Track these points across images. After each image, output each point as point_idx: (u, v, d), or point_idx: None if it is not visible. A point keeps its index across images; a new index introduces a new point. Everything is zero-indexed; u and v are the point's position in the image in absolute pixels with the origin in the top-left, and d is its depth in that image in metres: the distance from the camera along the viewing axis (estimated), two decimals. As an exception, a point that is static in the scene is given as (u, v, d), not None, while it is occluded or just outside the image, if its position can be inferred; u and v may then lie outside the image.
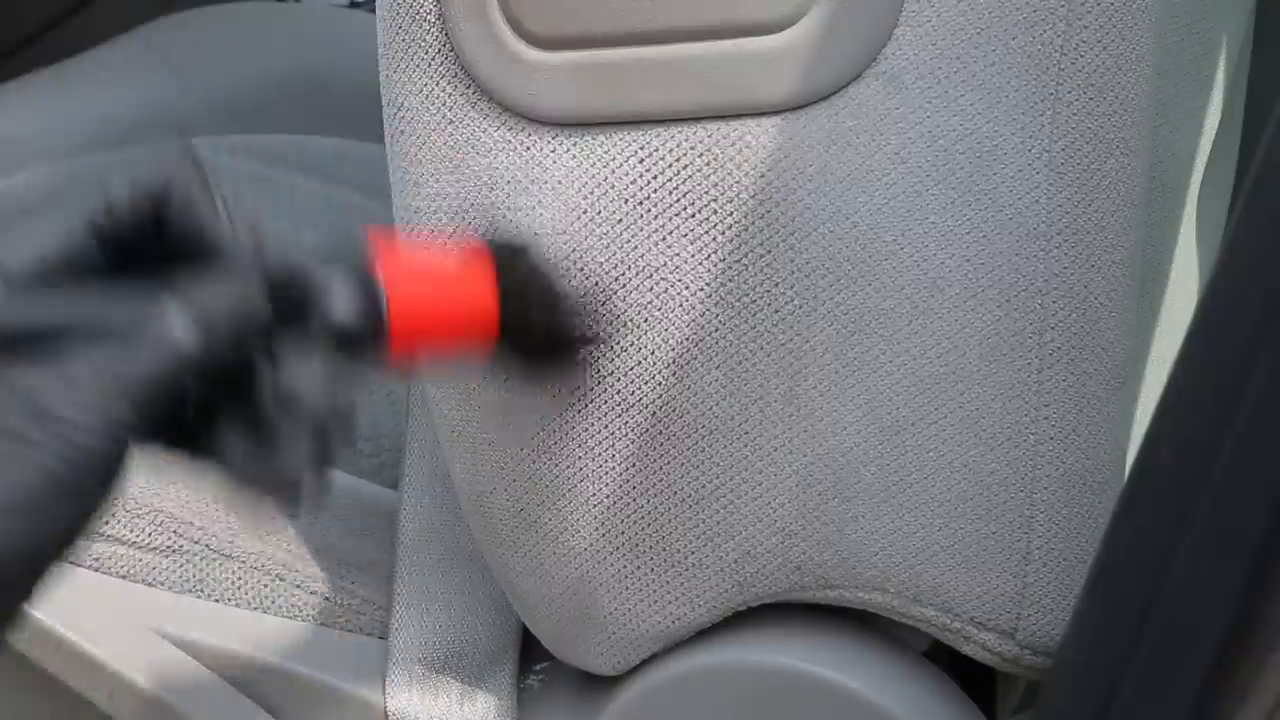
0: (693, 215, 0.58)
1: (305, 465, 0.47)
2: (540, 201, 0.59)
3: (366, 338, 0.51)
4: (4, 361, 0.43)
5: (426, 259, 0.55)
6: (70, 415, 0.42)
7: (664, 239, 0.59)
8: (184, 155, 0.47)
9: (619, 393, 0.61)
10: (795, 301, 0.59)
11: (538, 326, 0.57)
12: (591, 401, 0.61)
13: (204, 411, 0.47)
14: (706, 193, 0.58)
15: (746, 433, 0.61)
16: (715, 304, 0.59)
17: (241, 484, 0.48)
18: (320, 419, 0.47)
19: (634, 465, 0.62)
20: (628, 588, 0.64)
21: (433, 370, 0.56)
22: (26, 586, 0.43)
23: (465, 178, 0.61)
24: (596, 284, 0.60)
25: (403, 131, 0.61)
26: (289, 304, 0.48)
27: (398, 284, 0.51)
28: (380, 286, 0.51)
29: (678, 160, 0.58)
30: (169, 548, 0.74)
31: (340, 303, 0.50)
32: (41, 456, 0.42)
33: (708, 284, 0.59)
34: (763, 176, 0.57)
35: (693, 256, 0.59)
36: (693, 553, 0.63)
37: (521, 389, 0.61)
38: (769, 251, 0.58)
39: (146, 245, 0.47)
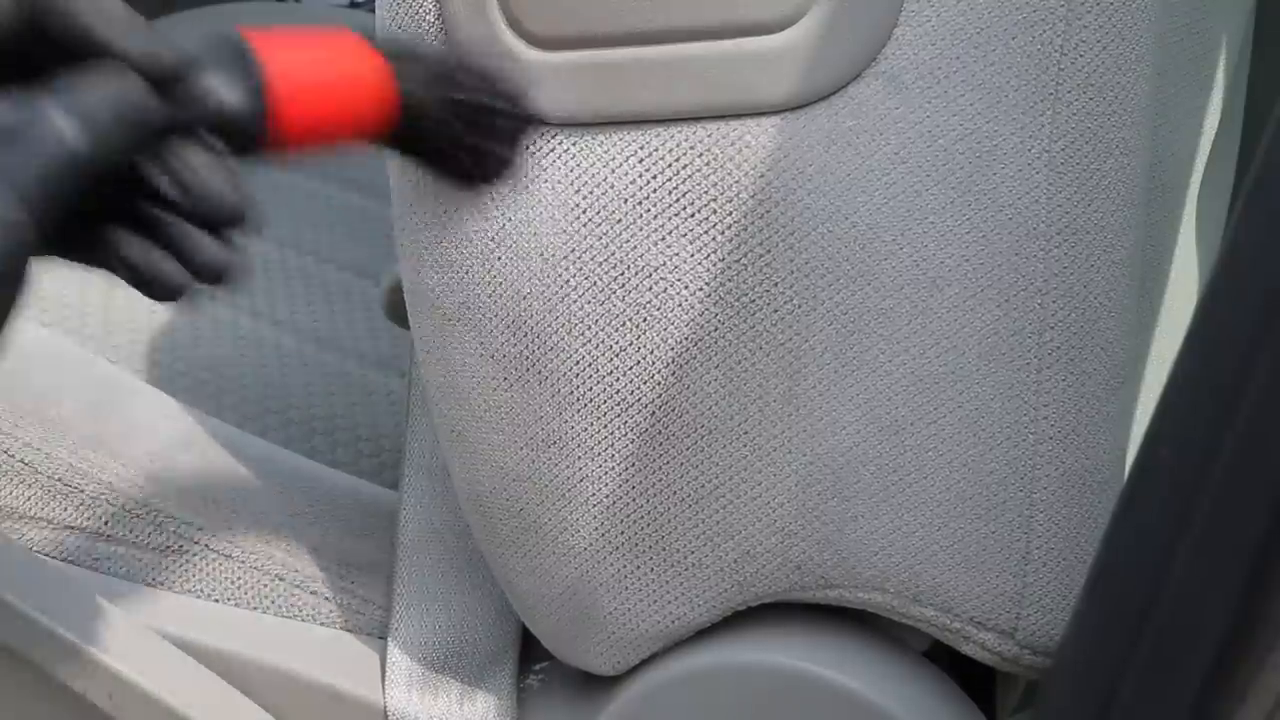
0: (692, 215, 0.58)
1: (207, 257, 0.49)
2: (540, 201, 0.59)
3: (250, 120, 0.50)
4: None
5: (308, 39, 0.53)
6: None
7: (663, 239, 0.59)
8: None
9: (619, 393, 0.61)
10: (794, 301, 0.59)
11: (434, 115, 0.55)
12: (591, 401, 0.61)
13: (97, 212, 0.47)
14: (706, 193, 0.58)
15: (746, 433, 0.61)
16: (714, 304, 0.59)
17: (143, 284, 0.49)
18: (214, 208, 0.48)
19: (634, 465, 0.62)
20: (628, 588, 0.64)
21: (323, 153, 0.54)
22: None
23: (465, 178, 0.61)
24: (594, 285, 0.60)
25: (403, 131, 0.61)
26: (170, 94, 0.48)
27: (276, 62, 0.50)
28: (259, 65, 0.50)
29: (678, 160, 0.58)
30: (169, 548, 0.74)
31: (220, 86, 0.49)
32: None
33: (707, 284, 0.59)
34: (762, 176, 0.57)
35: (692, 256, 0.59)
36: (693, 553, 0.63)
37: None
38: (768, 251, 0.58)
39: (25, 46, 0.47)
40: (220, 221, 0.49)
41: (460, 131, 0.56)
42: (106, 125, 0.45)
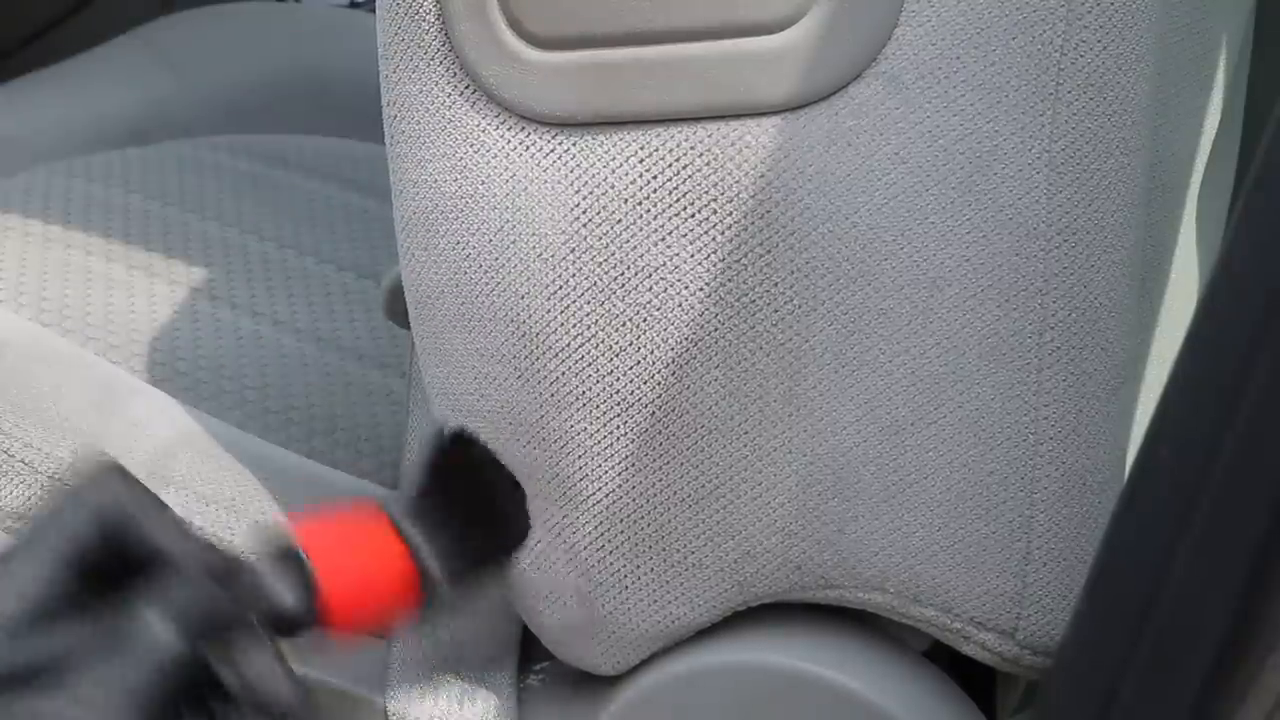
0: (692, 215, 0.58)
1: None
2: (540, 201, 0.59)
3: (306, 618, 0.55)
4: (19, 695, 0.48)
5: (339, 530, 0.59)
6: None
7: (664, 239, 0.59)
8: (123, 478, 0.53)
9: (619, 393, 0.61)
10: (795, 301, 0.59)
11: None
12: (591, 401, 0.61)
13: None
14: (706, 193, 0.58)
15: (746, 433, 0.61)
16: (715, 304, 0.59)
17: None
18: (274, 704, 0.52)
19: (634, 465, 0.62)
20: (628, 588, 0.64)
21: (371, 634, 0.61)
22: None
23: (465, 178, 0.61)
24: (595, 285, 0.60)
25: (403, 131, 0.61)
26: (235, 595, 0.53)
27: (322, 560, 0.56)
28: (309, 565, 0.55)
29: (678, 160, 0.58)
30: (169, 548, 0.74)
31: (278, 587, 0.55)
32: None
33: (707, 284, 0.59)
34: (763, 176, 0.57)
35: (692, 257, 0.59)
36: (693, 553, 0.63)
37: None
38: (769, 251, 0.58)
39: (109, 562, 0.52)
40: (278, 715, 0.52)
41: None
42: (194, 625, 0.50)
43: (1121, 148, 0.58)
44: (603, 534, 0.64)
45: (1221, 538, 0.46)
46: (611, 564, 0.64)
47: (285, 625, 0.55)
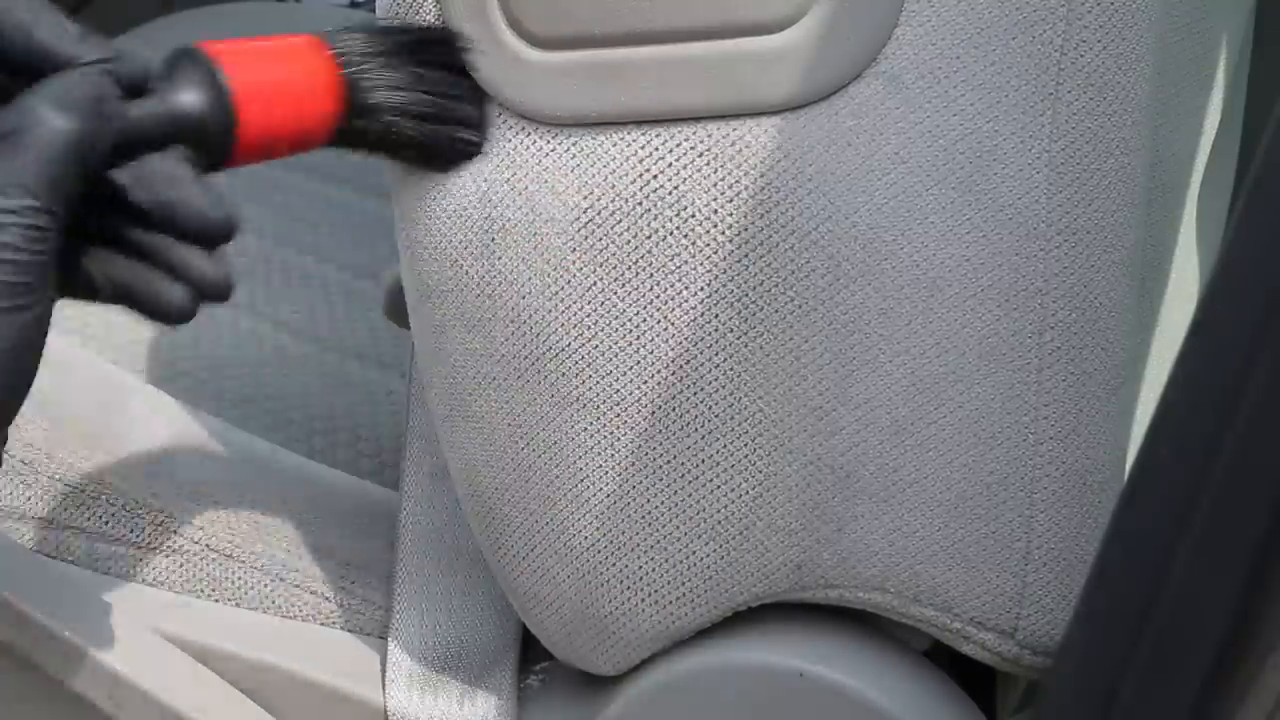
0: (692, 215, 0.58)
1: (203, 272, 0.50)
2: (540, 201, 0.59)
3: (217, 125, 0.51)
4: None
5: (263, 45, 0.55)
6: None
7: (664, 239, 0.59)
8: None
9: (619, 393, 0.61)
10: (795, 301, 0.59)
11: (384, 85, 0.57)
12: (591, 401, 0.61)
13: (88, 237, 0.49)
14: (706, 193, 0.58)
15: (746, 433, 0.61)
16: (715, 304, 0.59)
17: (148, 308, 0.51)
18: (201, 221, 0.49)
19: (634, 465, 0.62)
20: (628, 588, 0.64)
21: (283, 152, 0.56)
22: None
23: (465, 178, 0.61)
24: (594, 284, 0.60)
25: (403, 131, 0.61)
26: (140, 100, 0.50)
27: (237, 66, 0.52)
28: (221, 70, 0.51)
29: (678, 160, 0.58)
30: (169, 548, 0.74)
31: (187, 92, 0.51)
32: None
33: (707, 284, 0.59)
34: (763, 176, 0.57)
35: (692, 257, 0.59)
36: (693, 553, 0.63)
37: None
38: (769, 252, 0.58)
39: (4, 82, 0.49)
40: (209, 234, 0.50)
41: (416, 125, 0.58)
42: (91, 111, 0.47)
43: (1121, 148, 0.58)
44: (602, 534, 0.64)
45: (1221, 538, 0.46)
46: (611, 564, 0.64)
47: (201, 142, 0.51)
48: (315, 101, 0.55)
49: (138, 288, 0.51)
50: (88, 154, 0.47)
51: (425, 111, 0.58)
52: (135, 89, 0.50)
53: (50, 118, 0.46)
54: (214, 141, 0.51)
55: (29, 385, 0.49)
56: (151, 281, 0.51)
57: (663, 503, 0.63)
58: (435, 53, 0.58)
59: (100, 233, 0.51)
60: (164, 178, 0.49)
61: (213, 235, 0.50)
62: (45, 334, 0.48)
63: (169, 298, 0.51)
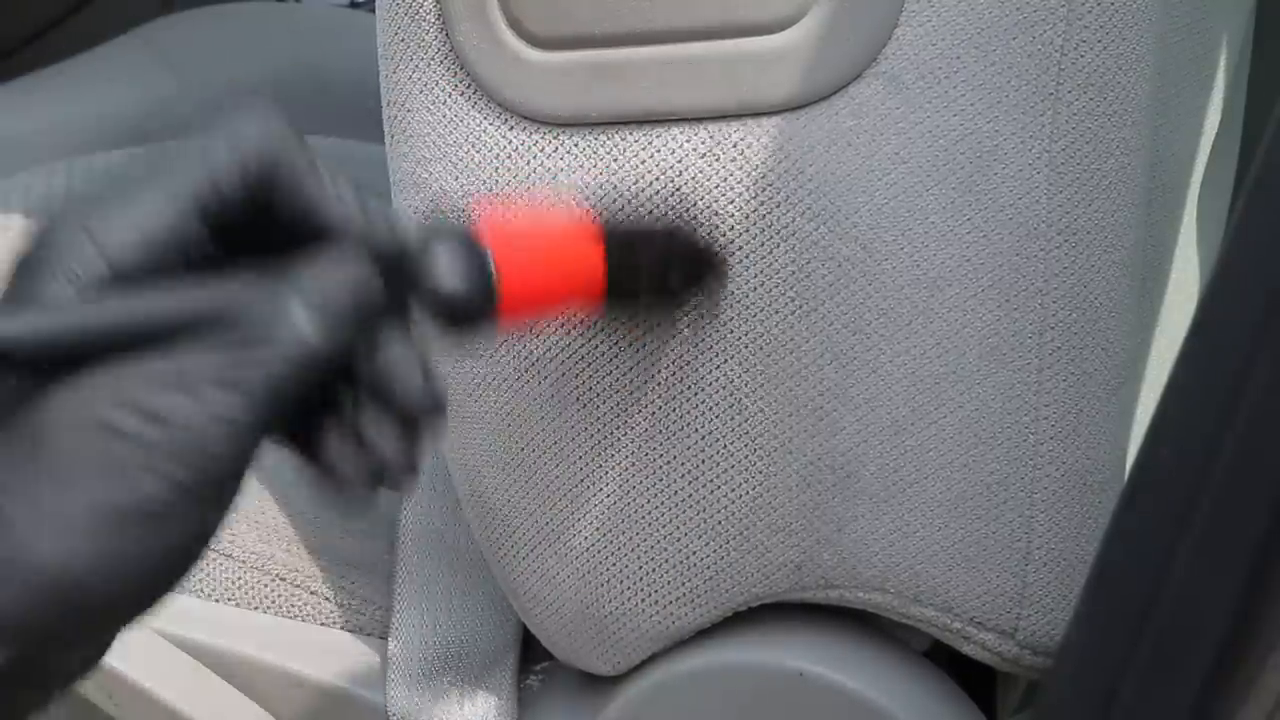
0: (693, 216, 0.58)
1: (400, 454, 0.44)
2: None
3: (477, 306, 0.47)
4: (117, 361, 0.39)
5: (529, 220, 0.52)
6: (189, 420, 0.38)
7: (664, 239, 0.59)
8: (284, 122, 0.43)
9: (618, 393, 0.61)
10: (795, 302, 0.59)
11: (644, 274, 0.55)
12: (591, 401, 0.61)
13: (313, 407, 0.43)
14: (707, 193, 0.58)
15: (746, 433, 0.61)
16: (715, 304, 0.59)
17: (335, 477, 0.44)
18: (417, 403, 0.43)
19: (634, 465, 0.62)
20: (628, 588, 0.64)
21: (541, 328, 0.54)
22: (137, 608, 0.40)
23: (465, 178, 0.61)
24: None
25: (403, 131, 0.61)
26: (399, 282, 0.44)
27: (503, 246, 0.48)
28: (486, 250, 0.47)
29: (678, 160, 0.58)
30: (169, 548, 0.74)
31: (448, 273, 0.46)
32: (158, 460, 0.38)
33: (708, 284, 0.59)
34: (763, 177, 0.57)
35: (693, 256, 0.59)
36: (693, 553, 0.63)
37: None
38: (769, 252, 0.58)
39: (255, 225, 0.43)
40: (417, 415, 0.44)
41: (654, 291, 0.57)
42: (344, 320, 0.41)
43: (1121, 148, 0.58)
44: (603, 535, 0.64)
45: (1221, 538, 0.46)
46: (611, 565, 0.64)
47: (456, 313, 0.46)
48: (573, 288, 0.52)
49: (331, 453, 0.44)
50: (329, 364, 0.41)
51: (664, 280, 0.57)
52: (394, 268, 0.44)
53: (300, 324, 0.40)
54: (472, 320, 0.48)
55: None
56: (344, 451, 0.44)
57: (663, 503, 0.63)
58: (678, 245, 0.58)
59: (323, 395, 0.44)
60: (395, 348, 0.43)
61: (417, 416, 0.44)
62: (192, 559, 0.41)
63: (350, 469, 0.44)
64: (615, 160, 0.59)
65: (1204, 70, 0.65)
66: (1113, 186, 0.58)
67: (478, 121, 0.60)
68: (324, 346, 0.41)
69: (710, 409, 0.61)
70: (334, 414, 0.43)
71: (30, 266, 0.41)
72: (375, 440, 0.43)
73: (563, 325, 0.61)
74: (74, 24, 1.55)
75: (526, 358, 0.62)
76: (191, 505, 0.39)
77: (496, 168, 0.60)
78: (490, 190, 0.60)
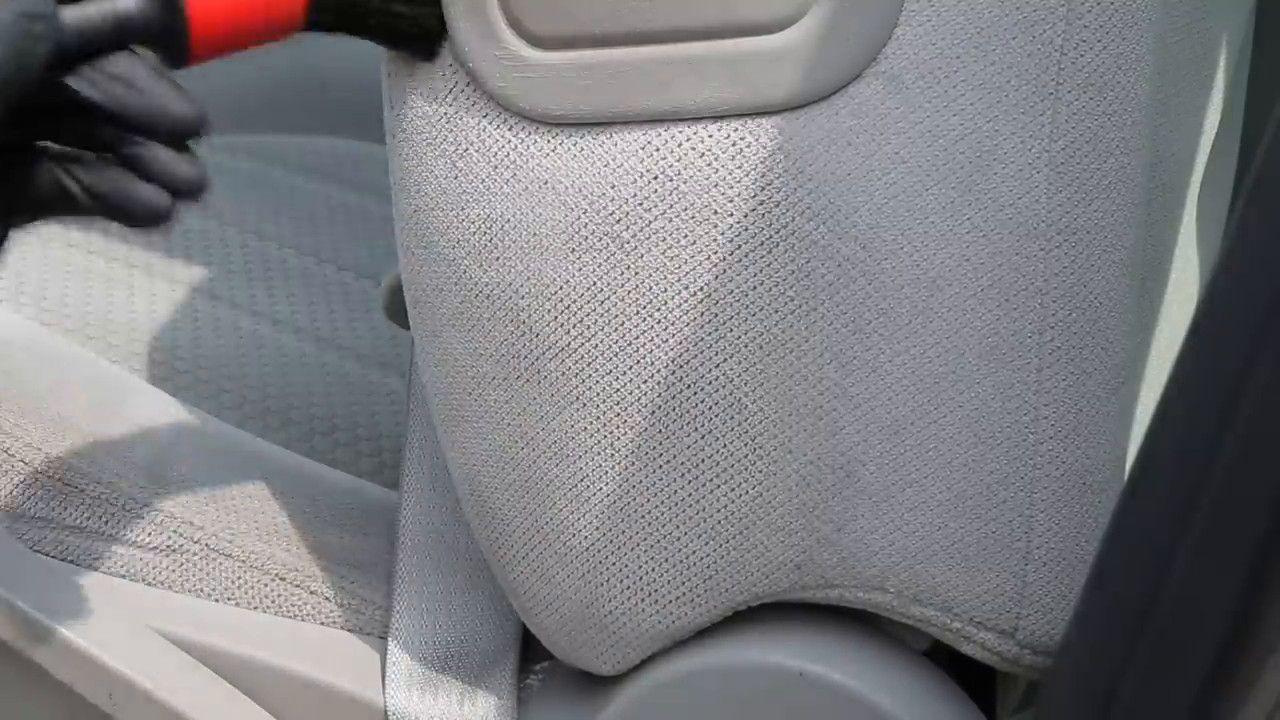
0: (692, 215, 0.58)
1: (175, 170, 0.48)
2: (540, 201, 0.59)
3: (165, 23, 0.49)
4: None
5: None
6: None
7: (663, 239, 0.59)
8: None
9: (619, 393, 0.61)
10: (795, 301, 0.59)
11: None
12: (591, 401, 0.61)
13: (39, 151, 0.48)
14: (706, 193, 0.58)
15: (746, 432, 0.61)
16: (715, 304, 0.59)
17: (121, 212, 0.49)
18: (169, 116, 0.47)
19: (634, 465, 0.62)
20: (628, 588, 0.64)
21: (251, 43, 0.54)
22: None
23: (466, 177, 0.61)
24: (594, 284, 0.60)
25: (403, 130, 0.61)
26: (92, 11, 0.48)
27: None
28: None
29: (678, 160, 0.58)
30: (169, 548, 0.74)
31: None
32: None
33: (707, 284, 0.59)
34: (763, 177, 0.57)
35: (692, 257, 0.59)
36: (693, 553, 0.63)
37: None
38: (769, 251, 0.58)
39: None
40: (174, 130, 0.48)
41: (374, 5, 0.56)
42: (11, 33, 0.45)
43: (1121, 148, 0.58)
44: (602, 534, 0.64)
45: (1221, 538, 0.46)
46: (611, 564, 0.64)
47: (142, 34, 0.49)
48: (273, 3, 0.53)
49: (112, 192, 0.50)
50: (10, 75, 0.45)
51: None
52: None
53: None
54: (166, 40, 0.50)
55: None
56: (125, 185, 0.49)
57: (663, 502, 0.62)
58: None
59: (71, 144, 0.50)
60: (122, 80, 0.48)
61: (179, 130, 0.49)
62: None
63: (142, 198, 0.49)
64: (615, 160, 0.59)
65: (1204, 70, 0.65)
66: (1112, 186, 0.58)
67: (477, 121, 0.60)
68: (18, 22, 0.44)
69: (710, 409, 0.61)
70: (79, 158, 0.48)
71: None
72: (143, 163, 0.48)
73: (562, 324, 0.61)
74: (74, 24, 1.55)
75: (526, 358, 0.62)
76: None
77: (496, 167, 0.60)
78: (490, 189, 0.60)
